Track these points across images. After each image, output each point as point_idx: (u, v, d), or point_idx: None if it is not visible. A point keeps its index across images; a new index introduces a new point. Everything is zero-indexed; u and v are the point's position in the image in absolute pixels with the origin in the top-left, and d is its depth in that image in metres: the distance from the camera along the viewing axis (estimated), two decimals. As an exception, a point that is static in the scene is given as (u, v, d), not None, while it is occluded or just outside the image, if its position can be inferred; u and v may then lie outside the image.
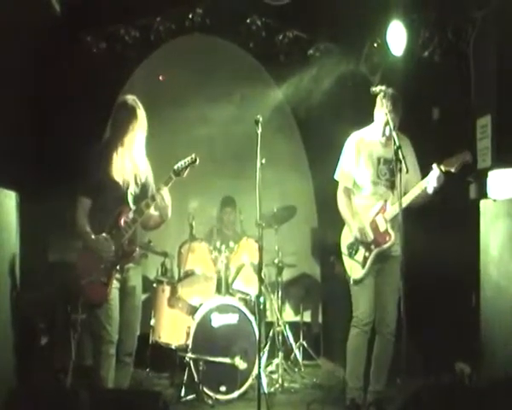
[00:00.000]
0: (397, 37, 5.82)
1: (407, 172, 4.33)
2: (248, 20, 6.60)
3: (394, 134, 4.45)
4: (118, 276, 4.37)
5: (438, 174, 4.58)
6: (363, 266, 4.86)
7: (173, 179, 4.39)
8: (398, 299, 4.70)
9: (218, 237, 6.53)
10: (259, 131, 4.53)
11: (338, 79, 6.62)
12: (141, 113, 4.38)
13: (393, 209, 4.78)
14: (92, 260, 4.28)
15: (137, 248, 4.49)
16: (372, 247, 4.84)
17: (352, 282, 4.95)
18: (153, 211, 4.49)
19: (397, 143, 4.35)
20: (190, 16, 6.53)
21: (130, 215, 4.36)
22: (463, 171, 5.11)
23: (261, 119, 4.54)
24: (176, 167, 4.39)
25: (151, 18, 6.45)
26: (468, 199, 5.39)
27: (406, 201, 4.67)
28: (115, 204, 4.36)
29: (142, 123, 4.39)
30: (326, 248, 6.94)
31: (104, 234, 4.28)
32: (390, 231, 4.80)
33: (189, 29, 6.70)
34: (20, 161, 5.26)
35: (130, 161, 4.39)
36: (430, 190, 4.66)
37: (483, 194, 4.97)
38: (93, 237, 4.28)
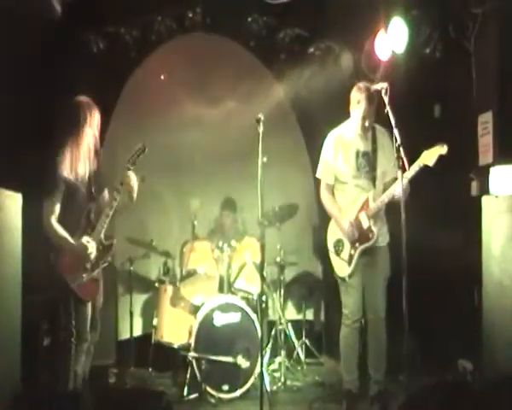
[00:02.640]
0: (398, 34, 5.82)
1: (408, 170, 4.38)
2: (249, 19, 6.61)
3: (396, 132, 4.45)
4: None
5: (404, 185, 4.44)
6: (350, 263, 4.96)
7: (131, 169, 4.60)
8: (385, 287, 4.89)
9: (219, 237, 6.53)
10: (261, 129, 4.53)
11: (339, 76, 6.61)
12: (94, 112, 4.61)
13: (375, 206, 4.88)
14: (77, 261, 4.42)
15: (114, 241, 4.64)
16: (357, 244, 4.94)
17: (339, 280, 5.07)
18: (120, 197, 4.63)
19: (398, 141, 4.37)
20: (191, 15, 6.53)
21: (99, 208, 4.56)
22: (465, 167, 5.12)
23: (263, 117, 4.54)
24: (130, 159, 4.62)
25: (152, 17, 6.45)
26: (470, 196, 5.38)
27: (378, 204, 4.84)
28: (83, 203, 4.53)
29: (96, 121, 4.61)
30: (328, 246, 6.93)
31: (86, 237, 4.44)
32: (373, 228, 4.89)
33: (189, 28, 6.70)
34: (24, 163, 5.25)
35: (89, 159, 4.58)
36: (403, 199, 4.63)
37: (485, 190, 4.96)
38: (73, 242, 4.43)
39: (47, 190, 4.45)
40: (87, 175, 4.58)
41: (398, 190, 4.57)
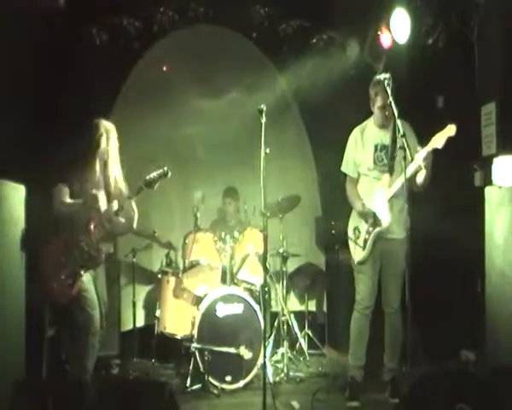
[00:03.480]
0: (400, 24, 5.81)
1: (412, 160, 4.40)
2: (251, 10, 6.59)
3: (398, 122, 4.47)
4: (92, 271, 4.65)
5: (424, 155, 4.66)
6: (364, 248, 5.07)
7: (144, 190, 4.60)
8: (402, 281, 4.84)
9: (222, 228, 6.53)
10: (263, 120, 4.52)
11: (341, 67, 6.60)
12: (112, 135, 4.74)
13: (389, 192, 4.96)
14: (57, 263, 4.51)
15: (103, 256, 4.69)
16: (371, 229, 5.04)
17: (355, 264, 5.18)
18: (121, 219, 4.70)
19: (401, 131, 4.38)
20: (193, 7, 6.52)
21: (100, 221, 4.58)
22: (468, 158, 5.10)
23: (265, 108, 4.53)
24: (147, 178, 4.61)
25: (154, 9, 6.44)
26: (474, 186, 5.37)
27: (392, 190, 4.92)
28: (86, 210, 4.58)
29: (114, 144, 4.74)
30: (330, 237, 6.95)
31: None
32: (387, 213, 4.97)
33: (192, 19, 6.69)
34: (28, 154, 5.27)
35: (103, 173, 4.72)
36: (419, 180, 4.81)
37: (488, 181, 4.96)
38: (71, 201, 4.58)
39: (55, 180, 4.61)
40: (99, 185, 4.70)
41: (410, 169, 4.67)
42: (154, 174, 4.59)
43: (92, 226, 4.56)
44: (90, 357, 4.56)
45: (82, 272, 4.54)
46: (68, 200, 4.57)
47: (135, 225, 4.76)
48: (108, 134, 4.74)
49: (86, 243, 4.54)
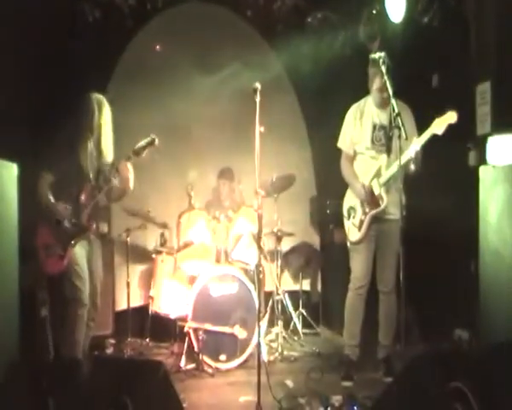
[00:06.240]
0: (396, 3, 5.77)
1: (406, 138, 4.36)
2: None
3: (393, 101, 4.45)
4: (86, 247, 4.77)
5: (415, 150, 4.70)
6: (360, 228, 5.09)
7: (132, 159, 4.73)
8: (396, 261, 4.86)
9: (216, 208, 6.52)
10: (258, 99, 4.49)
11: (336, 46, 6.56)
12: (105, 109, 4.81)
13: (387, 174, 4.97)
14: (49, 235, 4.64)
15: (94, 225, 4.81)
16: (367, 210, 5.05)
17: (349, 244, 5.21)
18: (115, 183, 4.80)
19: (396, 110, 4.36)
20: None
21: (90, 192, 4.71)
22: (463, 137, 5.09)
23: (259, 87, 4.51)
24: (135, 147, 4.74)
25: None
26: (468, 165, 5.37)
27: (390, 172, 4.93)
28: (77, 182, 4.71)
29: (106, 117, 4.81)
30: (325, 217, 6.95)
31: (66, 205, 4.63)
32: (383, 194, 5.00)
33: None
34: (20, 133, 5.23)
35: (95, 146, 4.79)
36: (411, 167, 4.81)
37: (482, 160, 4.95)
38: (53, 201, 4.65)
39: (45, 165, 4.68)
40: (90, 158, 4.75)
41: (410, 152, 4.70)
42: (141, 143, 4.72)
43: (83, 197, 4.65)
44: (80, 330, 4.63)
45: (73, 243, 4.64)
46: (50, 197, 4.64)
47: (131, 186, 4.79)
48: (101, 107, 4.79)
49: (77, 214, 4.64)
